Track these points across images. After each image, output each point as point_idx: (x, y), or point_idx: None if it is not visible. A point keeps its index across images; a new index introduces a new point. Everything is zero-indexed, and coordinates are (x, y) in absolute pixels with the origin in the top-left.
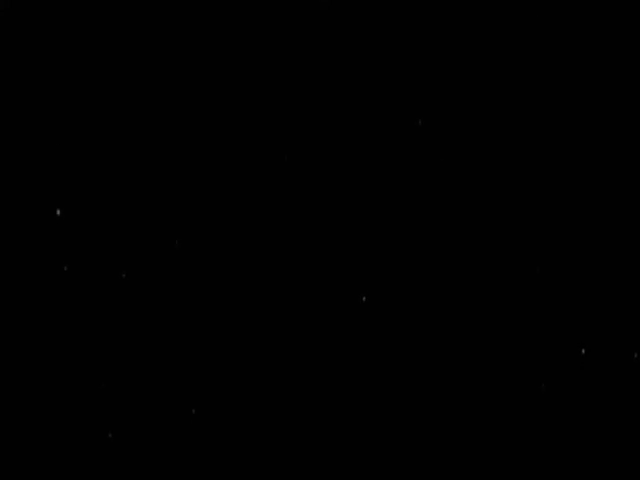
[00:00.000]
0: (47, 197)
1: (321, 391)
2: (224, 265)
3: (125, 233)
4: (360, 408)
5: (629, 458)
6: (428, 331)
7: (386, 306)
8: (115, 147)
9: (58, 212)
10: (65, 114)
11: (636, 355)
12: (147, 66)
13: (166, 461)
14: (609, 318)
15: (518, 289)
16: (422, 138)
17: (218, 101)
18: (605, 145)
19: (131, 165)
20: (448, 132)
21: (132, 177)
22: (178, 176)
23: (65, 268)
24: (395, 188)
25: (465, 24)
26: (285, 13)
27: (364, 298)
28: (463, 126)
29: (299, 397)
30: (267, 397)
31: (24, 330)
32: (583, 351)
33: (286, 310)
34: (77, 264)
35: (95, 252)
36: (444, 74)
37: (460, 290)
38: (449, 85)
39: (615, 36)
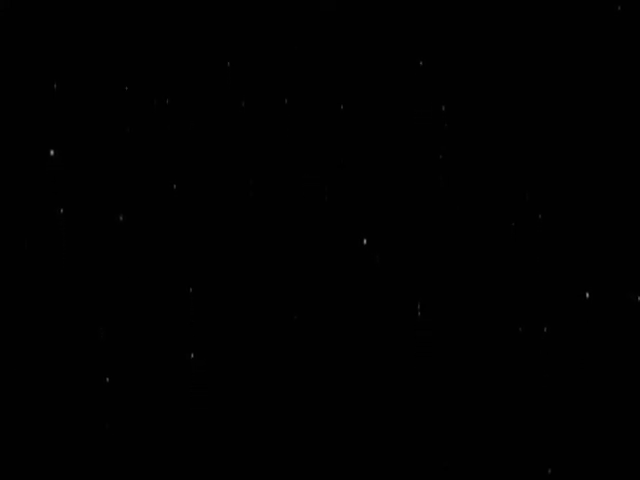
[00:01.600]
0: (41, 138)
1: (321, 333)
2: (223, 206)
3: (122, 175)
4: (359, 344)
5: (631, 401)
6: (428, 273)
7: (387, 247)
8: (112, 89)
9: (52, 152)
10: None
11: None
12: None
13: (163, 405)
14: (613, 262)
15: (521, 232)
16: (420, 78)
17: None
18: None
19: (127, 107)
20: (444, 74)
21: (128, 118)
22: (176, 117)
23: (61, 211)
24: (393, 132)
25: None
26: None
27: (365, 241)
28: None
29: (298, 341)
30: (266, 339)
31: (19, 274)
32: (587, 295)
33: (286, 251)
34: (72, 207)
35: (91, 194)
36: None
37: (462, 233)
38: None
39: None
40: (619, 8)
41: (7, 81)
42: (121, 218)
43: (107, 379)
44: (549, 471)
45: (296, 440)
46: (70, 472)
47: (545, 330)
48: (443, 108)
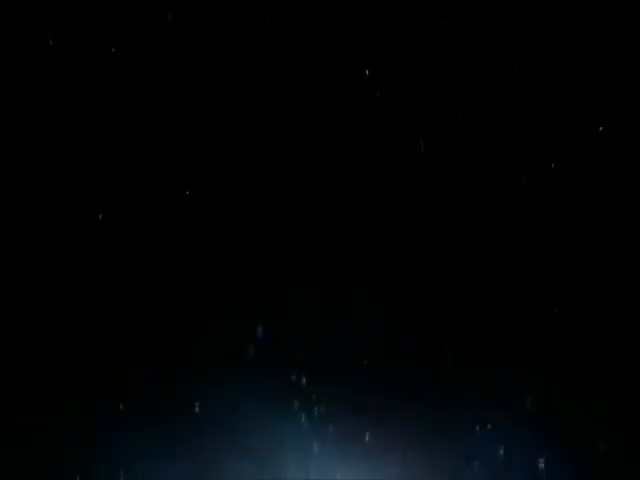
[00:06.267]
0: None
1: (324, 167)
2: (224, 41)
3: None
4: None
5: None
6: (431, 107)
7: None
8: None
9: None
10: None
11: None
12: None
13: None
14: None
15: (529, 69)
16: None
17: None
18: None
19: None
20: None
21: None
22: None
23: (51, 43)
24: None
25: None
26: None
27: (367, 72)
28: None
29: (297, 186)
30: (264, 186)
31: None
32: (600, 129)
33: (287, 77)
34: (64, 38)
35: (83, 23)
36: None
37: (469, 70)
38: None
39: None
40: None
41: None
42: (113, 50)
43: (100, 216)
44: (555, 310)
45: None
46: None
47: (553, 167)
48: None
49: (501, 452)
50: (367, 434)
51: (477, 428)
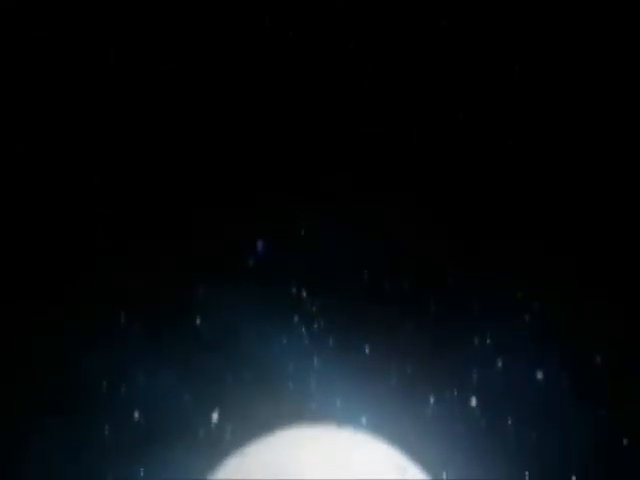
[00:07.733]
0: None
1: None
2: None
3: None
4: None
5: None
6: None
7: None
8: None
9: None
10: None
11: None
12: None
13: None
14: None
15: None
16: None
17: None
18: None
19: None
20: None
21: None
22: None
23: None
24: None
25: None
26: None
27: None
28: None
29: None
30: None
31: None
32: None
33: None
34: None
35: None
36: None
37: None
38: None
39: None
40: None
41: None
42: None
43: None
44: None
45: None
46: None
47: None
48: None
49: (500, 364)
50: (367, 347)
51: (476, 340)
